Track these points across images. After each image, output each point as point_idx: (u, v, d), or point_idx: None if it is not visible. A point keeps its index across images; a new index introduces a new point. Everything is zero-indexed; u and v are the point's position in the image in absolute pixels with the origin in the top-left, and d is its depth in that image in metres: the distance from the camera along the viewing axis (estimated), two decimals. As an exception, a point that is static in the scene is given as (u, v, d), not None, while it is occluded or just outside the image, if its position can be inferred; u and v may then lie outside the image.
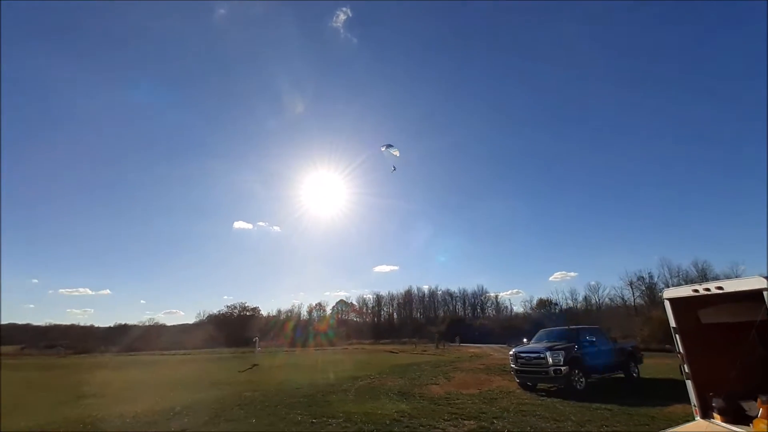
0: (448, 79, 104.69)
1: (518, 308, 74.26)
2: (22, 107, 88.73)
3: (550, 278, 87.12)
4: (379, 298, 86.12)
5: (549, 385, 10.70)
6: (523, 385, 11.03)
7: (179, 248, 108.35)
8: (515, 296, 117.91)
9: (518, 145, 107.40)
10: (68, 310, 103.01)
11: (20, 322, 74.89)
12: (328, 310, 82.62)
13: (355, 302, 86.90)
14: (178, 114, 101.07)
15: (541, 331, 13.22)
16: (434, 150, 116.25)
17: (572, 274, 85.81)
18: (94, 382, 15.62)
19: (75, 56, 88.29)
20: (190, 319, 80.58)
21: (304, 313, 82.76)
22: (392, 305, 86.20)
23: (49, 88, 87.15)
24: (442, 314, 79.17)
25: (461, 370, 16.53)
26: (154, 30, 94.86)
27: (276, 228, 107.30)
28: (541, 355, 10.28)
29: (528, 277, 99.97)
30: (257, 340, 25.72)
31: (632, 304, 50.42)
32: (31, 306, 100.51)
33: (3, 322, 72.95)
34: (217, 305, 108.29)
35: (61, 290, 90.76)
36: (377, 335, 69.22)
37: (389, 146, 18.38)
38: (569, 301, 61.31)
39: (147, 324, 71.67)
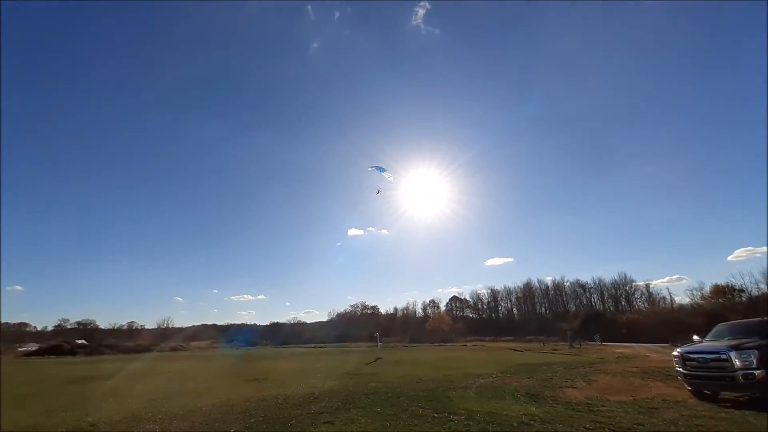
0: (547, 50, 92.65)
1: (681, 298, 59.82)
2: (191, 159, 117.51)
3: (730, 258, 67.81)
4: (494, 293, 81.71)
5: (737, 395, 8.14)
6: (697, 394, 8.68)
7: (309, 257, 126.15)
8: (676, 284, 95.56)
9: (660, 88, 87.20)
10: (238, 312, 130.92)
11: (209, 322, 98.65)
12: (442, 307, 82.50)
13: (468, 298, 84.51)
14: (293, 147, 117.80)
15: (721, 325, 10.19)
16: (548, 123, 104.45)
17: (764, 249, 64.57)
18: (258, 369, 19.17)
19: (212, 114, 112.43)
20: (324, 317, 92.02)
21: (418, 310, 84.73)
22: (510, 300, 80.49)
23: (211, 140, 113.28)
24: (573, 308, 69.90)
25: (605, 372, 14.12)
26: (266, 84, 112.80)
27: (384, 231, 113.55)
28: (723, 356, 7.87)
29: (694, 258, 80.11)
30: (378, 336, 27.49)
31: None
32: (215, 310, 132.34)
33: (198, 323, 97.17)
34: (343, 304, 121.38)
35: (232, 297, 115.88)
36: (497, 332, 65.56)
37: (380, 168, 17.12)
38: (761, 286, 46.00)
39: (292, 322, 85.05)
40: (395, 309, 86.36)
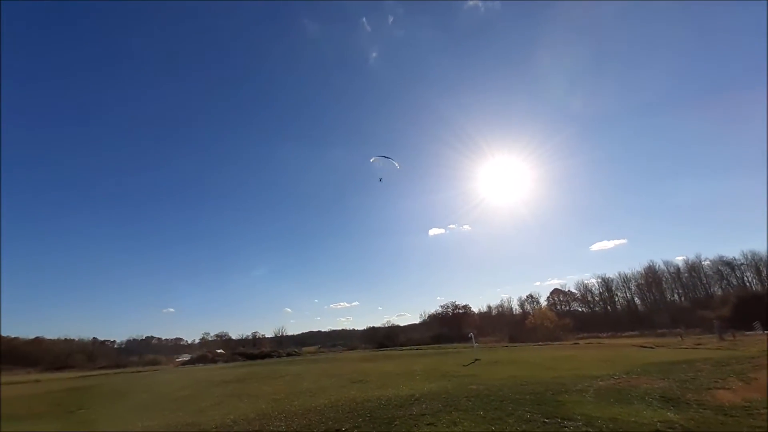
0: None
1: None
2: (277, 179, 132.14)
3: None
4: (606, 282, 71.62)
5: None
6: None
7: (395, 261, 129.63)
8: None
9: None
10: (338, 319, 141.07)
11: (315, 329, 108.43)
12: (543, 302, 75.45)
13: (574, 290, 75.73)
14: (368, 153, 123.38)
15: None
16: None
17: None
18: (360, 371, 20.28)
19: (289, 136, 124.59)
20: (416, 320, 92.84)
21: (515, 307, 79.13)
22: (629, 288, 69.42)
23: (291, 159, 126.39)
24: (719, 292, 56.95)
25: (773, 369, 11.15)
26: (333, 100, 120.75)
27: (466, 227, 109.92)
28: None
29: None
30: (473, 336, 26.45)
31: None
32: (318, 318, 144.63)
33: (305, 331, 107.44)
34: (433, 306, 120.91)
35: (331, 305, 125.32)
36: (616, 326, 57.22)
37: (386, 157, 17.45)
38: None
39: (387, 326, 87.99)
40: (489, 307, 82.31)
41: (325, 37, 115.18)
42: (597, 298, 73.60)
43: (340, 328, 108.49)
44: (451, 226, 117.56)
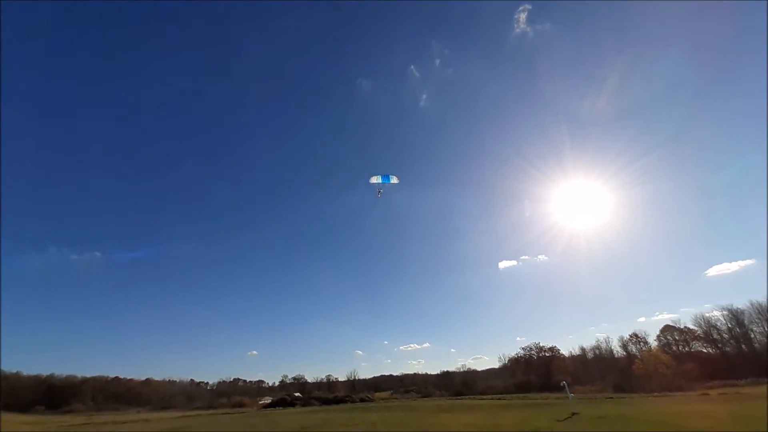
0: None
1: None
2: (342, 228, 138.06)
3: None
4: (735, 315, 58.05)
5: None
6: None
7: (466, 298, 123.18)
8: None
9: None
10: (409, 362, 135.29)
11: (386, 373, 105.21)
12: (651, 341, 63.43)
13: (692, 325, 62.59)
14: (431, 192, 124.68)
15: None
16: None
17: None
18: (440, 423, 18.83)
19: (353, 188, 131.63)
20: (494, 363, 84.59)
21: (616, 348, 67.55)
22: (766, 321, 55.23)
23: (359, 208, 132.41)
24: None
25: None
26: (390, 147, 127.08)
27: (541, 257, 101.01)
28: None
29: None
30: (566, 385, 22.91)
31: None
32: (389, 361, 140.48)
33: (377, 375, 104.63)
34: (513, 348, 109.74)
35: (401, 347, 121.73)
36: (756, 371, 45.10)
37: (385, 177, 19.59)
38: None
39: (462, 370, 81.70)
40: (582, 349, 71.46)
41: (378, 90, 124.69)
42: (726, 336, 59.58)
43: (412, 372, 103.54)
44: (524, 257, 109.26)
